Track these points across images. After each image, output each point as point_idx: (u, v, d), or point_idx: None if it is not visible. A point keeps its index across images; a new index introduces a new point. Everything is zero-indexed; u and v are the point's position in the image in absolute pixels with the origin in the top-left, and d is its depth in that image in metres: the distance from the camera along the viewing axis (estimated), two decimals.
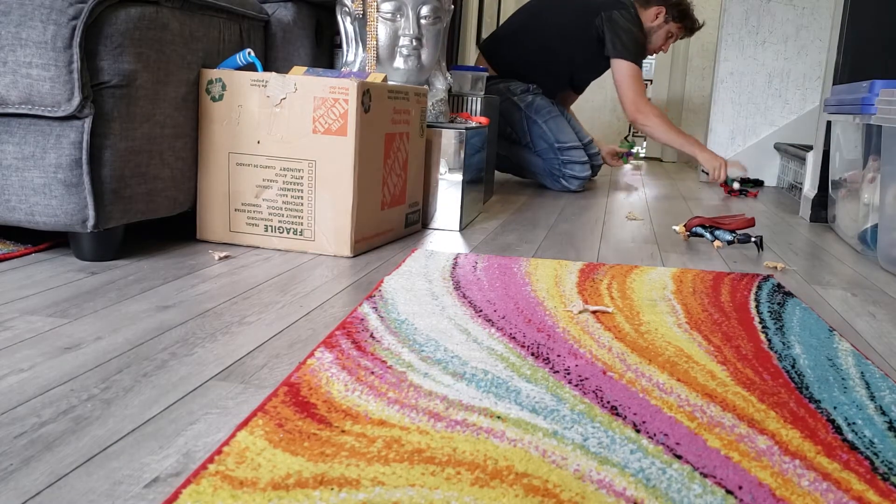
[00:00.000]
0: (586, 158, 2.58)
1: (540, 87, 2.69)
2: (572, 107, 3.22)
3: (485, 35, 3.87)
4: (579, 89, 2.99)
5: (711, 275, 1.35)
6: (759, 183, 3.09)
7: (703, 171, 3.17)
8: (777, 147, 3.17)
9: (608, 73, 2.76)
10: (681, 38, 2.92)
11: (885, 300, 1.28)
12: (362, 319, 0.97)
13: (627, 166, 3.99)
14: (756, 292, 1.24)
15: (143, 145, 1.24)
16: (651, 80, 4.58)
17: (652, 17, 2.76)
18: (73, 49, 1.11)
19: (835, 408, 0.77)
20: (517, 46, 2.71)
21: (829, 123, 2.14)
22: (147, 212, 1.28)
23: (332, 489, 0.56)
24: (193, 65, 1.35)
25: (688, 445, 0.66)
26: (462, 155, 1.69)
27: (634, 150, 3.24)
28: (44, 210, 1.17)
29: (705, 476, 0.61)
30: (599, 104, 4.65)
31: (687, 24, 2.83)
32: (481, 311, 1.05)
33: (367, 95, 1.34)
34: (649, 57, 3.16)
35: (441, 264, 1.31)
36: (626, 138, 4.38)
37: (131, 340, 0.87)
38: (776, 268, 1.47)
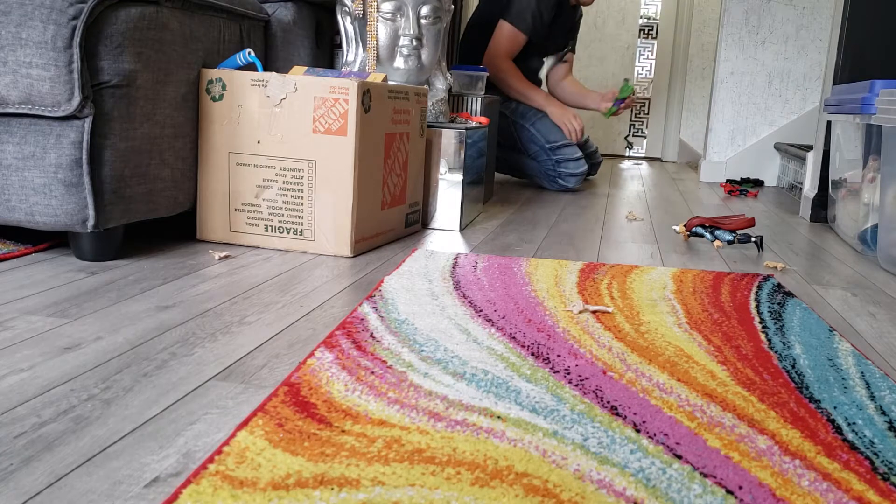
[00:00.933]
0: (580, 154, 2.57)
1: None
2: (580, 80, 3.12)
3: None
4: (562, 59, 2.90)
5: (711, 275, 1.35)
6: (759, 183, 3.10)
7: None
8: (777, 147, 3.17)
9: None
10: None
11: (885, 300, 1.28)
12: (362, 319, 0.97)
13: (627, 163, 3.99)
14: (756, 292, 1.24)
15: (143, 145, 1.24)
16: (651, 80, 4.58)
17: None
18: (73, 49, 1.11)
19: (835, 408, 0.77)
20: (473, 54, 2.68)
21: (829, 123, 2.14)
22: (147, 212, 1.28)
23: (332, 489, 0.56)
24: (193, 65, 1.35)
25: (688, 445, 0.66)
26: (462, 155, 1.69)
27: (630, 90, 2.90)
28: (44, 210, 1.17)
29: (705, 476, 0.61)
30: (599, 82, 4.64)
31: None
32: (481, 310, 1.05)
33: (367, 95, 1.34)
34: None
35: (441, 264, 1.31)
36: (626, 138, 4.38)
37: (131, 340, 0.87)
38: (776, 268, 1.47)
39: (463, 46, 2.77)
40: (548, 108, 2.63)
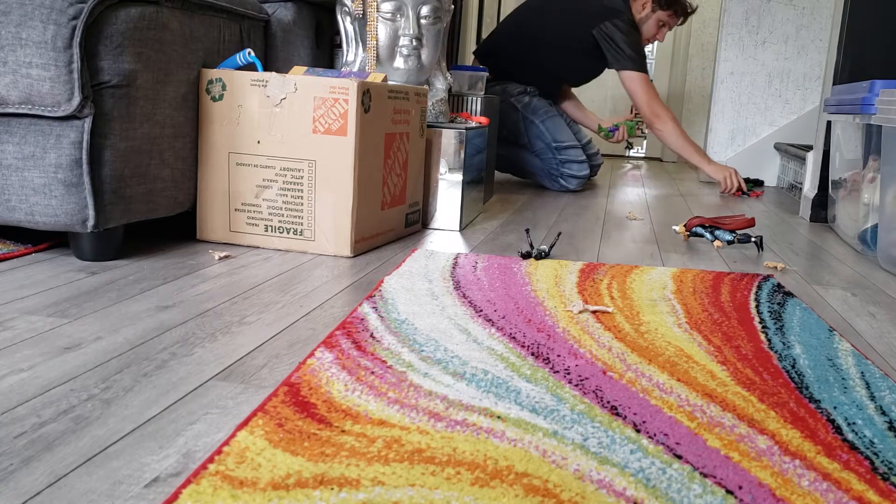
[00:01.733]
0: (584, 157, 2.59)
1: (536, 89, 2.69)
2: (580, 98, 3.21)
3: (485, 34, 3.87)
4: (574, 87, 2.99)
5: (711, 275, 1.35)
6: (759, 183, 3.10)
7: (702, 180, 3.16)
8: (777, 147, 3.17)
9: (606, 71, 2.76)
10: (677, 25, 2.86)
11: (885, 300, 1.28)
12: (362, 319, 0.97)
13: (627, 164, 3.99)
14: (756, 292, 1.24)
15: (143, 145, 1.24)
16: (651, 81, 4.58)
17: (639, 10, 2.73)
18: (73, 49, 1.11)
19: (835, 408, 0.77)
20: (510, 52, 2.71)
21: (829, 123, 2.14)
22: (147, 212, 1.28)
23: (332, 489, 0.56)
24: (193, 65, 1.35)
25: (688, 445, 0.66)
26: (462, 155, 1.69)
27: (633, 131, 3.11)
28: (44, 210, 1.17)
29: (705, 476, 0.61)
30: (599, 104, 4.65)
31: (677, 8, 2.77)
32: (481, 310, 1.05)
33: (367, 95, 1.34)
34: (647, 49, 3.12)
35: (441, 264, 1.31)
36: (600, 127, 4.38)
37: (131, 340, 0.87)
38: (776, 268, 1.48)
39: (505, 28, 2.77)
40: (706, 168, 2.82)
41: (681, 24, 2.86)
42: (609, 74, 2.82)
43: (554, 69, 2.72)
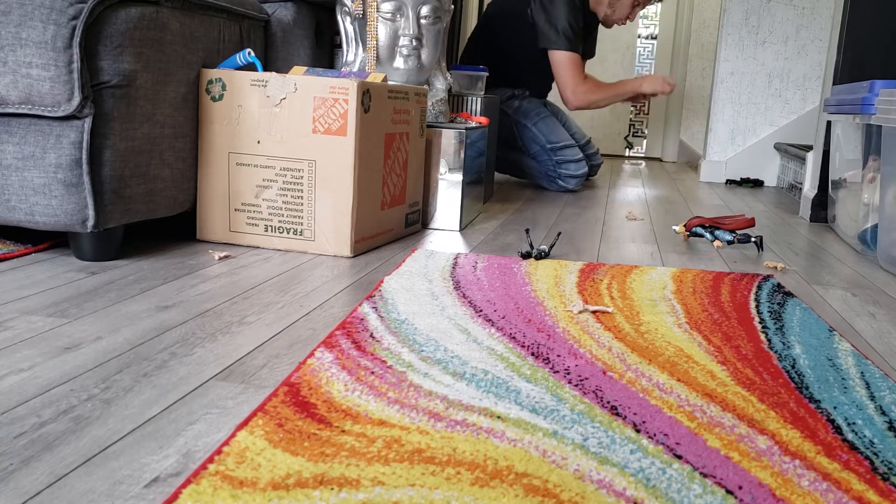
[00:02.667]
0: (581, 156, 2.57)
1: (527, 89, 2.67)
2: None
3: None
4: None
5: (711, 275, 1.35)
6: (759, 183, 3.10)
7: (643, 100, 2.96)
8: (777, 147, 3.17)
9: (602, 53, 2.65)
10: (648, 5, 2.77)
11: (885, 300, 1.28)
12: (362, 319, 0.97)
13: (627, 163, 3.99)
14: (756, 292, 1.24)
15: (143, 145, 1.24)
16: (580, 59, 4.56)
17: None
18: (73, 49, 1.11)
19: (835, 408, 0.77)
20: (485, 56, 2.66)
21: (829, 123, 2.14)
22: (147, 212, 1.28)
23: (332, 489, 0.56)
24: (193, 65, 1.35)
25: (688, 445, 0.66)
26: (462, 155, 1.69)
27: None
28: (44, 210, 1.17)
29: (705, 476, 0.61)
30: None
31: None
32: (481, 311, 1.05)
33: (367, 95, 1.34)
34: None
35: (441, 264, 1.31)
36: (626, 138, 4.38)
37: (131, 340, 0.87)
38: (776, 268, 1.48)
39: (472, 43, 2.73)
40: (641, 87, 2.68)
41: (656, 1, 2.78)
42: (611, 56, 2.74)
43: (524, 65, 2.65)
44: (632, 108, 2.92)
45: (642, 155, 4.68)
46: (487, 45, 2.68)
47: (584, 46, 2.76)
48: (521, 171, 2.69)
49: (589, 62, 4.20)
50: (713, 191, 2.91)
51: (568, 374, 0.82)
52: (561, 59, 2.56)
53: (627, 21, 2.75)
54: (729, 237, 1.68)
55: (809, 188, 2.28)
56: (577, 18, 2.57)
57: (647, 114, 4.58)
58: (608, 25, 2.80)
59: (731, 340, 0.98)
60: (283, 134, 1.34)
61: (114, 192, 1.19)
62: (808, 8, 3.18)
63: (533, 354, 0.88)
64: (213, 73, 1.36)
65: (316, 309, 1.03)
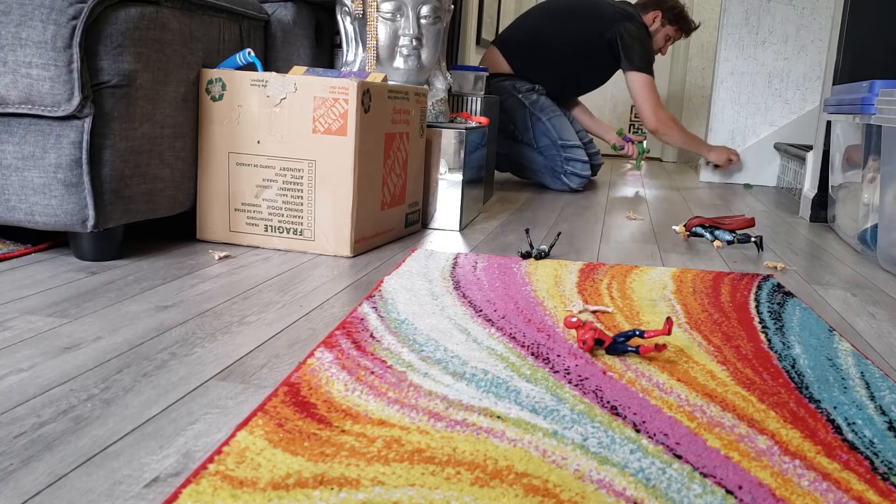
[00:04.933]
0: (587, 158, 2.63)
1: (545, 89, 2.73)
2: (584, 101, 3.27)
3: (485, 34, 3.87)
4: (582, 92, 3.03)
5: (711, 275, 1.35)
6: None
7: (707, 164, 3.22)
8: (777, 147, 3.17)
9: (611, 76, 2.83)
10: (679, 39, 3.01)
11: (885, 300, 1.28)
12: (362, 319, 0.97)
13: (627, 164, 3.99)
14: (756, 292, 1.24)
15: (143, 145, 1.24)
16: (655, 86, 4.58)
17: (649, 22, 2.86)
18: (73, 49, 1.11)
19: (835, 408, 0.77)
20: (525, 53, 2.75)
21: (829, 123, 2.14)
22: (147, 212, 1.28)
23: (332, 489, 0.56)
24: (193, 65, 1.35)
25: (688, 445, 0.66)
26: (462, 155, 1.69)
27: (642, 152, 3.32)
28: (44, 210, 1.17)
29: (705, 476, 0.61)
30: (600, 104, 4.65)
31: (683, 25, 2.93)
32: (481, 310, 1.05)
33: (367, 95, 1.34)
34: None
35: (441, 264, 1.31)
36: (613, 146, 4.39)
37: (131, 340, 0.87)
38: (776, 268, 1.48)
39: (518, 28, 2.82)
40: (708, 154, 3.10)
41: (684, 38, 3.02)
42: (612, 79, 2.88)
43: (565, 73, 2.77)
44: (616, 146, 3.14)
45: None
46: (531, 38, 2.75)
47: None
48: (523, 168, 2.70)
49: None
50: (713, 191, 2.91)
51: (568, 374, 0.82)
52: (643, 81, 2.73)
53: (661, 53, 2.98)
54: (729, 237, 1.68)
55: (809, 188, 2.28)
56: (651, 46, 2.81)
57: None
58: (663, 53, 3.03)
59: (730, 340, 0.98)
60: (283, 134, 1.34)
61: (114, 192, 1.19)
62: (808, 8, 3.18)
63: (533, 354, 0.88)
64: (213, 73, 1.36)
65: (316, 309, 1.03)
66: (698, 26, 3.02)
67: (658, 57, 2.97)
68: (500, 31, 3.40)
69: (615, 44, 2.70)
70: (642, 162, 3.16)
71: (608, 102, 4.70)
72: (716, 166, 3.21)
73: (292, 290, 1.12)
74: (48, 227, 1.18)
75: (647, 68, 2.72)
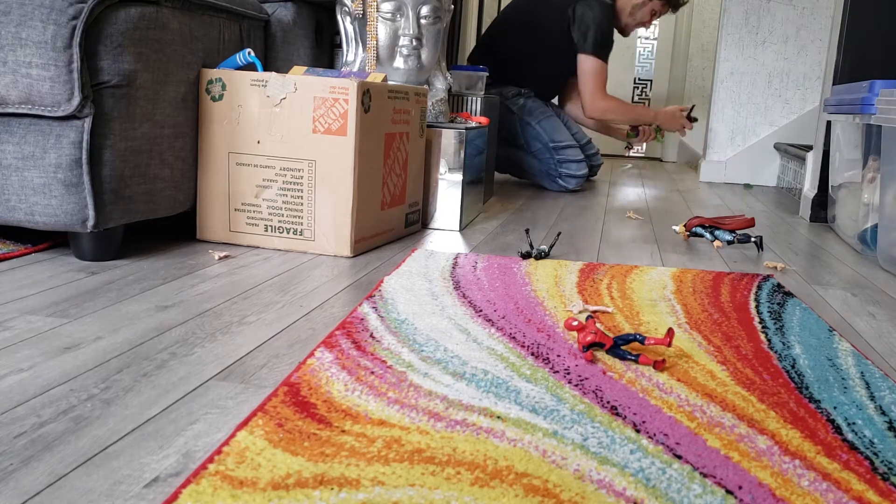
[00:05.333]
0: (582, 157, 2.60)
1: (532, 90, 2.70)
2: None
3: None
4: (566, 79, 2.98)
5: (711, 275, 1.35)
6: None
7: (636, 138, 3.06)
8: (777, 147, 3.17)
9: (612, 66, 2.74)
10: (665, 13, 2.89)
11: (885, 300, 1.28)
12: (362, 319, 0.97)
13: (627, 164, 3.99)
14: (756, 292, 1.24)
15: (143, 145, 1.24)
16: (651, 80, 4.58)
17: None
18: (73, 49, 1.11)
19: (835, 408, 0.77)
20: (501, 53, 2.70)
21: (829, 123, 2.14)
22: (147, 212, 1.28)
23: (331, 489, 0.56)
24: (193, 65, 1.35)
25: (688, 445, 0.66)
26: (462, 155, 1.69)
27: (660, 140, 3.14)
28: (44, 210, 1.17)
29: (705, 476, 0.61)
30: None
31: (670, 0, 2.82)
32: (481, 310, 1.05)
33: (367, 95, 1.34)
34: (647, 32, 3.02)
35: (441, 264, 1.31)
36: (627, 133, 4.39)
37: (131, 340, 0.87)
38: (776, 268, 1.48)
39: (489, 37, 2.76)
40: (656, 118, 2.88)
41: (671, 13, 2.90)
42: (610, 55, 2.78)
43: (543, 64, 2.70)
44: (631, 134, 2.99)
45: (642, 155, 4.67)
46: (502, 42, 2.71)
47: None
48: (522, 170, 2.70)
49: None
50: (713, 191, 2.91)
51: (568, 374, 0.82)
52: (590, 66, 2.63)
53: (645, 27, 2.86)
54: (729, 237, 1.68)
55: (809, 188, 2.28)
56: (610, 30, 2.69)
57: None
58: (625, 34, 2.89)
59: (730, 340, 0.98)
60: (283, 134, 1.34)
61: (114, 192, 1.19)
62: (808, 8, 3.18)
63: (533, 354, 0.88)
64: (213, 73, 1.36)
65: (316, 309, 1.03)
66: (686, 1, 2.89)
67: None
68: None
69: (574, 21, 2.60)
70: (662, 137, 3.00)
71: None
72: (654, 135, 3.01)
73: (292, 290, 1.12)
74: (48, 227, 1.18)
75: (599, 52, 2.61)
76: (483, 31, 3.78)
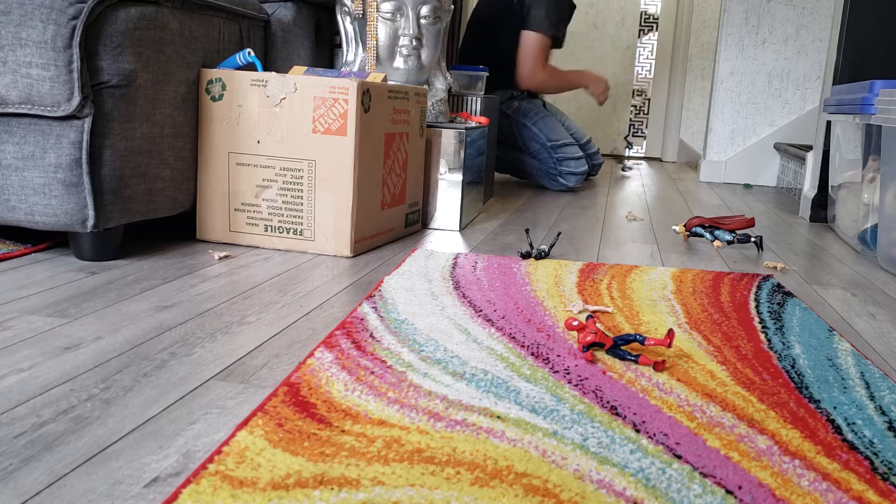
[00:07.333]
0: (581, 154, 2.59)
1: (524, 90, 2.69)
2: (583, 92, 3.14)
3: None
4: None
5: (711, 275, 1.35)
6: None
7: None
8: (777, 147, 3.17)
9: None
10: None
11: (885, 300, 1.28)
12: (362, 319, 0.97)
13: (627, 163, 3.99)
14: (756, 292, 1.24)
15: (143, 145, 1.24)
16: (651, 81, 4.58)
17: None
18: (73, 49, 1.11)
19: (834, 408, 0.77)
20: (482, 56, 2.69)
21: (828, 123, 2.14)
22: (147, 212, 1.28)
23: (331, 489, 0.56)
24: (193, 65, 1.35)
25: (687, 445, 0.66)
26: (462, 155, 1.69)
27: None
28: (44, 210, 1.17)
29: (705, 476, 0.61)
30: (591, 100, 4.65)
31: None
32: (481, 310, 1.05)
33: (366, 95, 1.34)
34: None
35: (441, 264, 1.31)
36: (626, 138, 4.38)
37: (131, 340, 0.87)
38: (776, 268, 1.47)
39: (466, 47, 2.76)
40: (585, 83, 2.80)
41: None
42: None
43: (510, 53, 2.67)
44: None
45: (642, 155, 4.67)
46: (482, 48, 2.69)
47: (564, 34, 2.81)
48: (522, 171, 2.70)
49: (588, 62, 4.22)
50: (713, 191, 2.91)
51: (568, 374, 0.82)
52: (530, 40, 2.59)
53: None
54: (729, 237, 1.68)
55: (809, 188, 2.28)
56: (562, 7, 2.64)
57: (648, 114, 4.58)
58: None
59: (730, 340, 0.98)
60: (282, 134, 1.34)
61: (113, 192, 1.19)
62: (808, 8, 3.18)
63: (533, 354, 0.88)
64: (213, 73, 1.36)
65: (316, 309, 1.03)
66: None
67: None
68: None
69: (517, 4, 2.56)
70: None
71: (609, 100, 4.70)
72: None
73: (292, 290, 1.12)
74: (48, 227, 1.18)
75: (546, 29, 2.57)
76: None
